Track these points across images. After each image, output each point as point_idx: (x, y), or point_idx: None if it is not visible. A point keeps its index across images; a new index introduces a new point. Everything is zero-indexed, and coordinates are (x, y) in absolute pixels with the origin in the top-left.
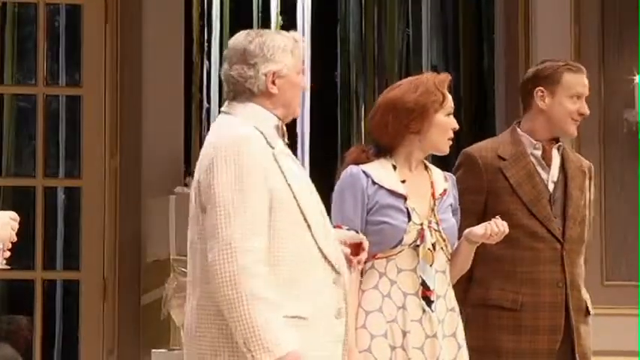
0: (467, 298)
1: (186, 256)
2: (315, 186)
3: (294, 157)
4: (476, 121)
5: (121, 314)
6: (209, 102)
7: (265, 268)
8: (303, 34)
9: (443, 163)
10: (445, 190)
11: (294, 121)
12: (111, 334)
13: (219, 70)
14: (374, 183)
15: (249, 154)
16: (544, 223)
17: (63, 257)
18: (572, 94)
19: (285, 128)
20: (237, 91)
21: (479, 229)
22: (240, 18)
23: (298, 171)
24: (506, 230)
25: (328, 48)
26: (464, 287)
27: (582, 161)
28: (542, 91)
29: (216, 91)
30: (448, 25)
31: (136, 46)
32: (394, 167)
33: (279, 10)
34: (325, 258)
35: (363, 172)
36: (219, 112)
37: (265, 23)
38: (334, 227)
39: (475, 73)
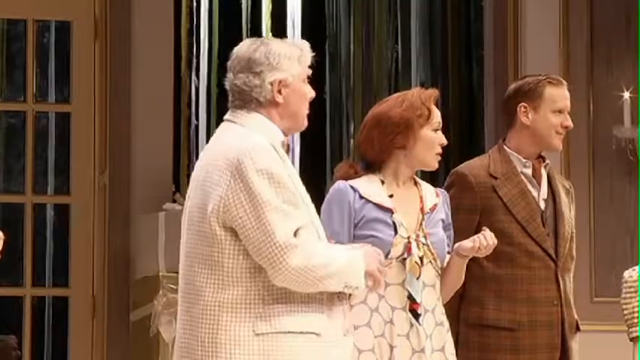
0: (460, 317)
1: (175, 272)
2: None
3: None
4: (465, 137)
5: (110, 331)
6: (197, 119)
7: (315, 241)
8: None
9: (432, 180)
10: (435, 205)
11: None
12: (100, 351)
13: (208, 87)
14: (361, 197)
15: (273, 161)
16: (538, 241)
17: (52, 274)
18: (555, 108)
19: (289, 145)
20: (244, 101)
21: (468, 243)
22: (228, 35)
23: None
24: (495, 243)
25: (317, 65)
26: (455, 306)
27: (564, 179)
28: (526, 107)
29: (204, 108)
30: (437, 41)
31: (125, 62)
32: (382, 182)
33: (268, 27)
34: None
35: (351, 186)
36: (223, 120)
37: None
38: None
39: (464, 89)
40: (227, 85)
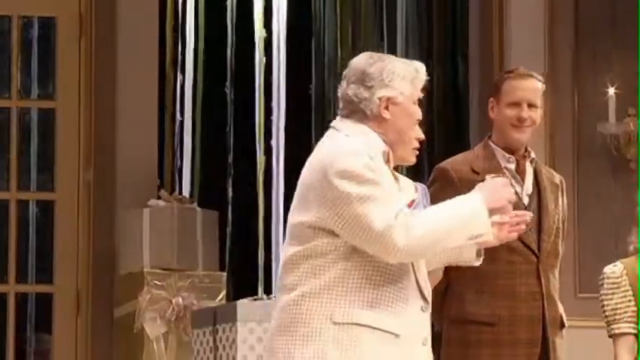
0: (443, 313)
1: (160, 269)
2: (289, 198)
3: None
4: (450, 133)
5: (94, 327)
6: (182, 115)
7: (411, 214)
8: (279, 48)
9: (416, 176)
10: (413, 202)
11: (269, 135)
12: (84, 347)
13: (194, 84)
14: None
15: (355, 161)
16: (520, 236)
17: (36, 270)
18: (509, 101)
19: (391, 155)
20: (352, 110)
21: None
22: (213, 32)
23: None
24: None
25: (303, 61)
26: (438, 302)
27: (554, 174)
28: (492, 102)
29: (189, 105)
30: (423, 38)
31: (110, 59)
32: None
33: (261, 24)
34: (418, 284)
35: None
36: (329, 127)
37: (239, 37)
38: None
39: (450, 85)
40: (339, 92)
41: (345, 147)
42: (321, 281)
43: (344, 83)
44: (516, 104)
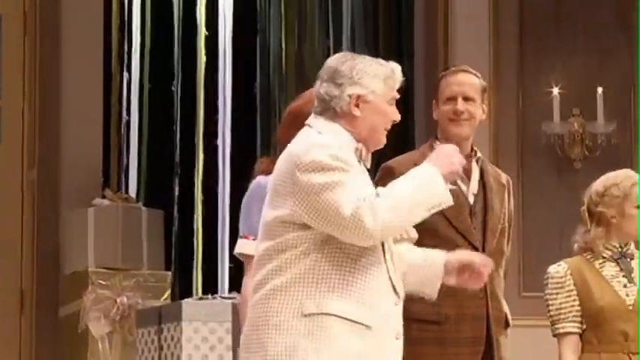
0: None
1: (105, 268)
2: (235, 197)
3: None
4: (395, 133)
5: (38, 326)
6: (129, 114)
7: (374, 194)
8: (224, 46)
9: None
10: None
11: (214, 132)
12: (28, 347)
13: (140, 82)
14: None
15: (319, 154)
16: (465, 235)
17: None
18: (444, 97)
19: (364, 153)
20: (324, 108)
21: None
22: (160, 30)
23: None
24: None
25: (248, 59)
26: None
27: (500, 174)
28: (434, 103)
29: (136, 104)
30: (368, 36)
31: (54, 57)
32: None
33: (202, 21)
34: (390, 279)
35: None
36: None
37: (186, 35)
38: (241, 237)
39: None
40: (314, 91)
41: (314, 142)
42: (291, 274)
43: (318, 82)
44: (452, 99)
